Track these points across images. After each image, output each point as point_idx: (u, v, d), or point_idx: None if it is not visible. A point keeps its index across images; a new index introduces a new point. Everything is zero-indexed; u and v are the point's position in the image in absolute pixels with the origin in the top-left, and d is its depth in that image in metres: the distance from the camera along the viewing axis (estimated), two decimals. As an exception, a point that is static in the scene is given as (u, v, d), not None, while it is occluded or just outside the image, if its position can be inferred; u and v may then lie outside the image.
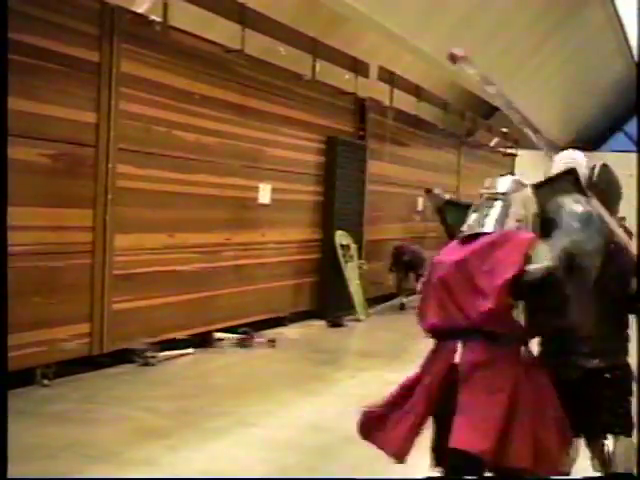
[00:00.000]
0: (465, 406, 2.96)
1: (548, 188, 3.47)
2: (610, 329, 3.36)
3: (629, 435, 3.37)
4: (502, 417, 2.92)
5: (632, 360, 3.40)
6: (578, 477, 4.56)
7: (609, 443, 3.41)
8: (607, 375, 3.34)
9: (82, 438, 4.82)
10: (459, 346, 3.06)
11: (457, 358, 3.06)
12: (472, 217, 3.30)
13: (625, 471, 3.39)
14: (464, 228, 3.30)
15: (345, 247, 10.29)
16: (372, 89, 11.42)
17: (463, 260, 3.11)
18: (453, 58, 4.26)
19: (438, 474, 3.13)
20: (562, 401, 3.13)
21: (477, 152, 16.76)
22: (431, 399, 3.10)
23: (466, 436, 2.91)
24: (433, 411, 3.11)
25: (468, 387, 2.99)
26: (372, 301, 11.12)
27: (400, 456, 3.14)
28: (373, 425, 3.24)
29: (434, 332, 3.19)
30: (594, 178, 3.72)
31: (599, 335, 3.33)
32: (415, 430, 3.11)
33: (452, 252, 3.26)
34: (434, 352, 3.18)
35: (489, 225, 3.21)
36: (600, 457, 3.51)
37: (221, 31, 8.31)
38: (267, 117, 8.85)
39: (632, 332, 3.46)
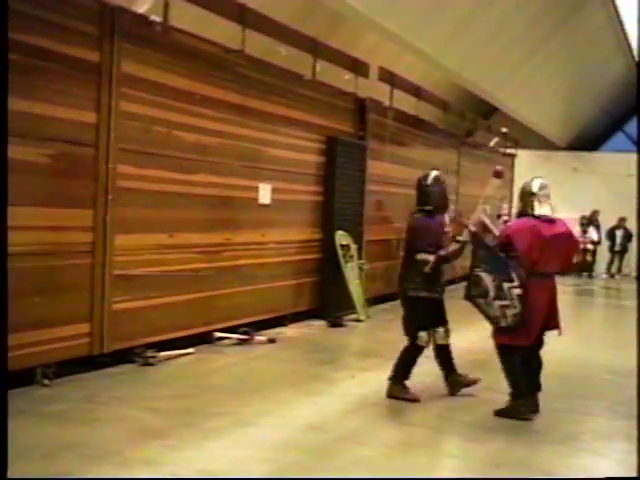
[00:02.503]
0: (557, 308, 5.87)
1: None
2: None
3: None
4: None
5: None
6: (584, 477, 4.58)
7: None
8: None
9: (82, 438, 4.83)
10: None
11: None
12: (544, 208, 5.82)
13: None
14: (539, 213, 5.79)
15: (345, 247, 10.29)
16: (372, 89, 11.42)
17: (563, 234, 5.84)
18: (498, 174, 6.47)
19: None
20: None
21: (477, 152, 16.77)
22: (551, 304, 5.79)
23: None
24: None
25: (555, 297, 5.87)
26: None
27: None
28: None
29: (548, 273, 5.76)
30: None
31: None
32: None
33: (549, 227, 5.76)
34: (537, 285, 5.66)
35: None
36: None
37: (221, 31, 8.32)
38: (267, 117, 8.85)
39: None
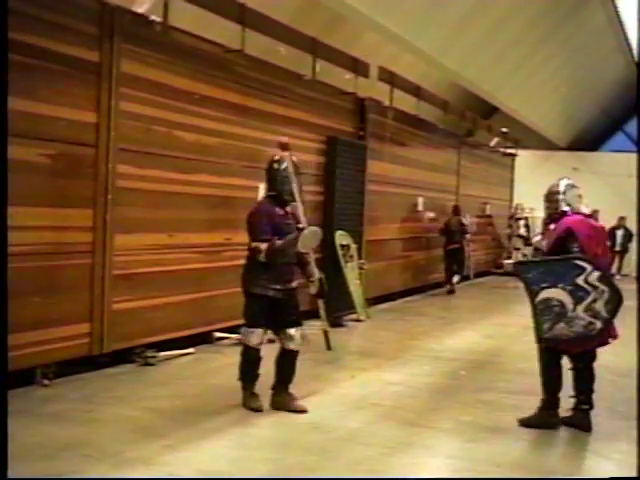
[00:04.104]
0: None
1: None
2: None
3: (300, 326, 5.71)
4: None
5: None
6: (588, 477, 4.58)
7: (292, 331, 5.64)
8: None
9: (82, 438, 4.83)
10: None
11: None
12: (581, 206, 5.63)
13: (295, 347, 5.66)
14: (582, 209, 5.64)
15: (345, 247, 10.29)
16: (372, 89, 11.42)
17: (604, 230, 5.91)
18: (283, 146, 5.67)
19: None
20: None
21: (477, 152, 16.78)
22: None
23: None
24: None
25: None
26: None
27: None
28: None
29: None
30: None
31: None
32: None
33: (592, 222, 5.61)
34: None
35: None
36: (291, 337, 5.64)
37: (221, 31, 8.31)
38: (267, 117, 8.85)
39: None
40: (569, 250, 5.32)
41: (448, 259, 14.15)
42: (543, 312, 5.19)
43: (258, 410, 5.52)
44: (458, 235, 14.10)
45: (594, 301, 5.10)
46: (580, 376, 5.47)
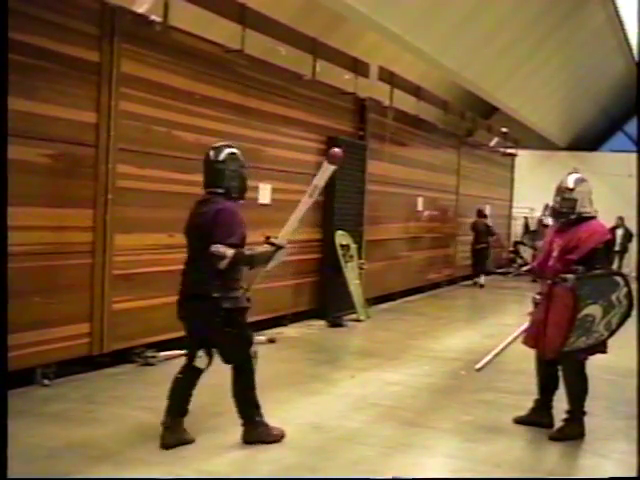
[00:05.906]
0: None
1: None
2: None
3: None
4: None
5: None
6: (588, 477, 4.58)
7: None
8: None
9: (82, 438, 4.83)
10: None
11: None
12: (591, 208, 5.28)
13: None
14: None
15: (345, 247, 10.29)
16: (372, 89, 11.42)
17: None
18: (334, 158, 5.29)
19: None
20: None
21: (477, 152, 16.78)
22: None
23: None
24: None
25: None
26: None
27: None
28: None
29: None
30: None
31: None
32: None
33: None
34: None
35: None
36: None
37: (221, 31, 8.31)
38: (267, 117, 8.85)
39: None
40: (595, 261, 5.09)
41: (475, 257, 15.81)
42: (577, 328, 4.94)
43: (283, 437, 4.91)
44: (484, 235, 15.79)
45: (614, 316, 5.00)
46: (558, 380, 5.45)
